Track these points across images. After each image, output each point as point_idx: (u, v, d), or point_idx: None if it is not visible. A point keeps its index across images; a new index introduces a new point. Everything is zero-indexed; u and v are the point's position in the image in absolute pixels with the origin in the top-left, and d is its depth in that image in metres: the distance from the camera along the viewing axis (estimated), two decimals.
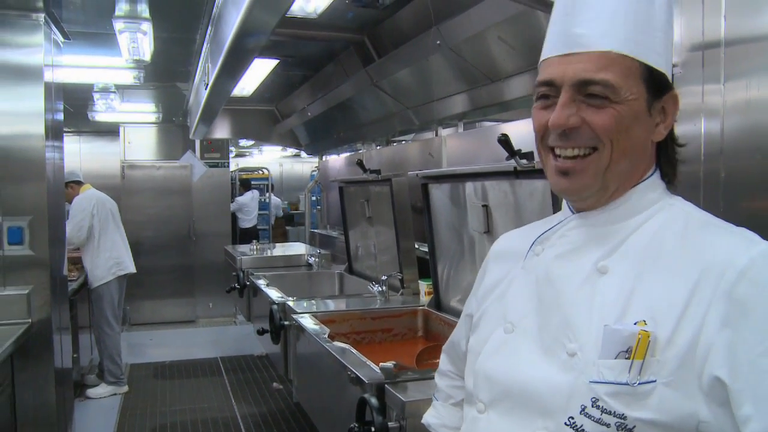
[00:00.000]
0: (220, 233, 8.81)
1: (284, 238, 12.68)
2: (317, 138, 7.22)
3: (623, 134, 1.06)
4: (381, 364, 2.14)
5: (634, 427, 0.98)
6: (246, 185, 11.72)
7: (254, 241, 6.82)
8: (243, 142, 11.86)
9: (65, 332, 4.19)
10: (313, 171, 12.31)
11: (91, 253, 5.90)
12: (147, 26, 3.89)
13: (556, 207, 2.33)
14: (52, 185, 3.82)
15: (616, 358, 1.00)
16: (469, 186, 2.97)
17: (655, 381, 0.97)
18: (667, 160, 1.16)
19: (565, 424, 1.02)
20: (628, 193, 1.12)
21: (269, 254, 6.24)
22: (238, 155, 14.60)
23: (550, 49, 1.12)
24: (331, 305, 3.71)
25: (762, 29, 1.74)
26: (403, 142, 5.83)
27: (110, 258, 5.95)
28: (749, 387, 0.92)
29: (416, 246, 3.97)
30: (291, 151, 14.75)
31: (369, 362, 2.37)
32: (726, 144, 1.83)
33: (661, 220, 1.11)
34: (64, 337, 4.12)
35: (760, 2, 1.75)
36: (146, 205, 8.52)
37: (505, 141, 2.35)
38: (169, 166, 8.73)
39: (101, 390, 5.90)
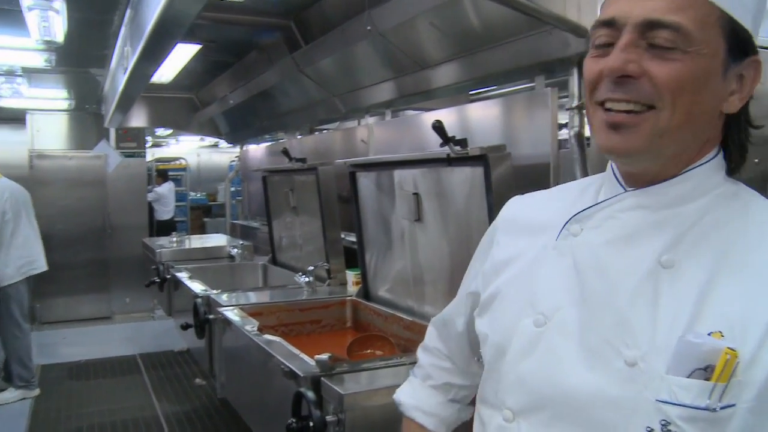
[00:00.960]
0: (137, 226, 8.52)
1: (202, 229, 12.44)
2: (238, 127, 7.07)
3: (689, 94, 0.91)
4: (316, 356, 2.08)
5: None
6: (163, 176, 11.42)
7: (173, 233, 6.60)
8: (160, 132, 11.54)
9: None
10: (232, 161, 12.12)
11: (2, 251, 5.46)
12: (60, 4, 3.67)
13: (491, 196, 2.33)
14: None
15: (690, 376, 0.84)
16: (399, 174, 2.94)
17: (734, 405, 0.83)
18: (736, 140, 1.00)
19: None
20: (690, 172, 0.97)
21: (189, 246, 6.06)
22: (155, 145, 14.19)
23: None
24: (257, 297, 3.61)
25: None
26: (326, 131, 5.75)
27: (22, 256, 5.56)
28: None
29: (342, 236, 3.92)
30: (209, 141, 14.46)
31: (302, 355, 2.30)
32: None
33: (729, 209, 0.96)
34: None
35: None
36: (57, 197, 8.14)
37: (439, 128, 2.32)
38: (81, 155, 8.37)
39: (8, 395, 5.52)
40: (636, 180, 0.99)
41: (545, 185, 2.37)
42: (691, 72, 0.90)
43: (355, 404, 1.93)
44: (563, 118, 2.44)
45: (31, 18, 3.82)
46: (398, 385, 1.66)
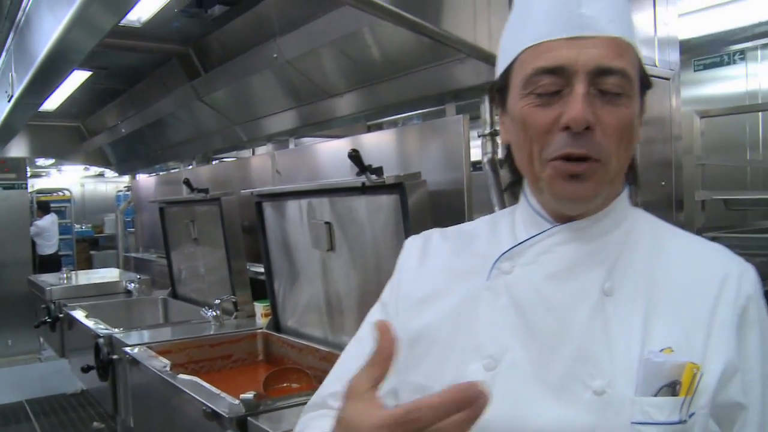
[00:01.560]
0: (19, 261, 8.05)
1: (89, 263, 11.92)
2: (129, 156, 6.83)
3: (629, 139, 0.95)
4: (241, 395, 2.01)
5: None
6: (44, 208, 10.88)
7: (64, 268, 6.27)
8: (41, 161, 11.01)
9: None
10: (119, 191, 11.69)
11: None
12: None
13: (408, 224, 2.33)
14: None
15: (657, 394, 0.89)
16: (310, 203, 2.90)
17: (695, 413, 0.90)
18: (635, 167, 1.06)
19: None
20: (612, 203, 1.02)
21: (81, 282, 5.78)
22: (34, 175, 13.50)
23: (548, 29, 0.93)
24: (164, 334, 3.47)
25: None
26: (224, 160, 5.63)
27: None
28: (753, 410, 0.94)
29: (248, 267, 3.83)
30: (94, 170, 13.93)
31: (223, 394, 2.21)
32: None
33: (642, 233, 1.04)
34: None
35: None
36: None
37: (355, 156, 2.32)
38: None
39: None
40: (565, 217, 1.01)
41: (460, 211, 2.41)
42: (631, 116, 0.95)
43: None
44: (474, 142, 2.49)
45: None
46: None
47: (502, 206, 2.22)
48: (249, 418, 1.97)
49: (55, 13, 2.44)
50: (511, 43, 1.00)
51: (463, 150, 2.45)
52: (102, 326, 3.68)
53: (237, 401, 2.03)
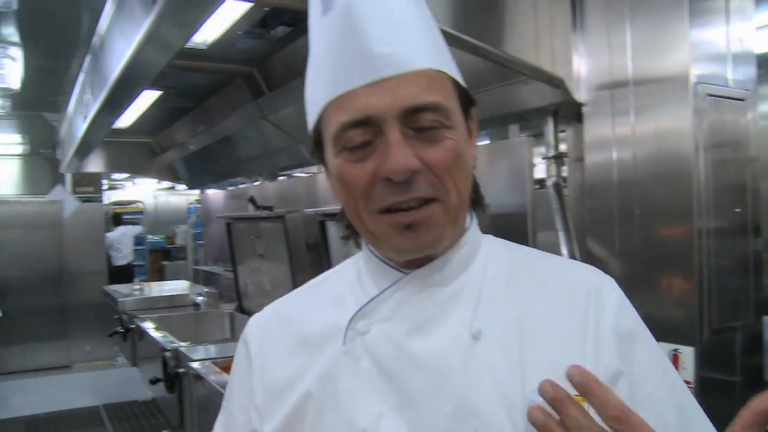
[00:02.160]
0: (95, 271, 8.34)
1: (161, 273, 12.22)
2: (198, 172, 6.98)
3: (462, 170, 0.88)
4: None
5: None
6: (117, 220, 11.20)
7: (136, 279, 6.45)
8: (116, 175, 11.37)
9: None
10: (191, 204, 11.96)
11: None
12: (17, 51, 3.61)
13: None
14: None
15: None
16: None
17: None
18: (478, 193, 1.00)
19: None
20: (463, 238, 0.95)
21: (152, 294, 5.93)
22: (111, 188, 13.98)
23: (346, 78, 0.85)
24: (229, 349, 3.52)
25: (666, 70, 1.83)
26: (289, 176, 5.70)
27: None
28: (662, 420, 0.87)
29: None
30: (166, 183, 14.31)
31: None
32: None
33: (498, 262, 0.97)
34: None
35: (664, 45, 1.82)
36: (12, 242, 7.93)
37: None
38: (37, 200, 8.19)
39: None
40: (414, 262, 0.92)
41: (523, 235, 2.38)
42: (457, 146, 0.87)
43: None
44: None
45: None
46: None
47: (567, 231, 2.19)
48: None
49: (126, 35, 2.53)
50: (314, 95, 0.92)
51: (527, 172, 2.42)
52: (169, 339, 3.76)
53: None
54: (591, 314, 0.91)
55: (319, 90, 0.90)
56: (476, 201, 1.00)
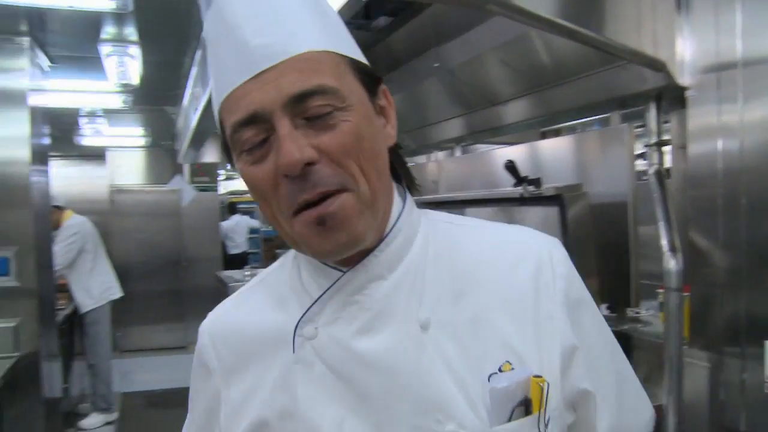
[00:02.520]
0: (211, 258, 8.70)
1: (275, 261, 12.54)
2: None
3: (368, 151, 0.83)
4: None
5: None
6: (232, 210, 11.57)
7: (247, 266, 6.68)
8: None
9: (54, 362, 4.07)
10: None
11: (84, 279, 5.88)
12: (135, 50, 3.81)
13: (567, 237, 2.26)
14: (38, 212, 3.72)
15: (511, 417, 0.82)
16: (471, 212, 2.89)
17: (549, 418, 0.85)
18: (404, 169, 0.97)
19: None
20: (397, 224, 0.90)
21: None
22: (227, 178, 14.49)
23: (234, 75, 0.82)
24: None
25: None
26: None
27: (103, 282, 6.00)
28: (602, 387, 0.90)
29: None
30: None
31: None
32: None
33: (439, 241, 0.93)
34: (54, 368, 4.01)
35: None
36: (135, 229, 8.40)
37: (511, 167, 2.27)
38: (158, 190, 8.62)
39: (93, 420, 5.81)
40: (350, 258, 0.87)
41: (623, 225, 2.30)
42: (356, 128, 0.82)
43: None
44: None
45: (109, 64, 3.97)
46: None
47: (667, 222, 2.09)
48: None
49: None
50: (214, 97, 0.88)
51: (628, 160, 2.34)
52: None
53: None
54: (542, 287, 0.89)
55: (215, 90, 0.87)
56: (406, 179, 0.97)
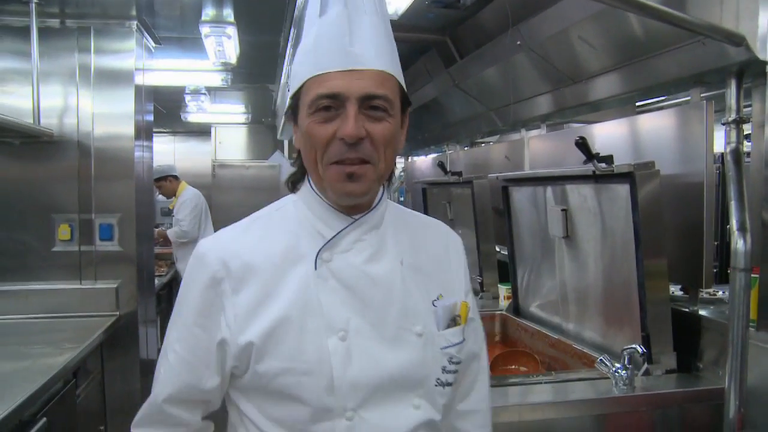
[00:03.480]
0: None
1: None
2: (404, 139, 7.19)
3: (391, 147, 1.23)
4: None
5: (460, 362, 1.34)
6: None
7: None
8: None
9: (151, 325, 4.33)
10: (399, 172, 12.30)
11: (190, 249, 6.06)
12: (232, 30, 3.97)
13: (637, 215, 2.25)
14: (141, 184, 3.95)
15: (448, 327, 1.32)
16: (549, 189, 2.90)
17: (465, 329, 1.35)
18: (392, 167, 1.33)
19: (435, 385, 1.29)
20: (382, 196, 1.33)
21: None
22: None
23: (327, 63, 1.19)
24: None
25: None
26: (484, 144, 5.74)
27: None
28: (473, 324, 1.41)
29: (497, 249, 3.91)
30: None
31: None
32: None
33: (395, 214, 1.38)
34: (150, 330, 4.27)
35: None
36: (235, 203, 8.69)
37: (582, 144, 2.27)
38: (258, 165, 8.91)
39: None
40: (355, 210, 1.29)
41: (699, 204, 2.27)
42: (393, 129, 1.21)
43: (495, 419, 1.93)
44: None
45: (209, 43, 4.16)
46: (540, 403, 1.68)
47: (740, 201, 2.06)
48: None
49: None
50: (299, 72, 1.24)
51: (706, 139, 2.31)
52: None
53: None
54: (452, 251, 1.44)
55: (303, 69, 1.23)
56: (389, 178, 1.33)
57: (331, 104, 1.17)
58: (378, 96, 1.18)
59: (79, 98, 3.75)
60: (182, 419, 1.32)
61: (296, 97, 1.25)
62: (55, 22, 3.75)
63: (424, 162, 6.85)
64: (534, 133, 4.26)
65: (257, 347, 1.22)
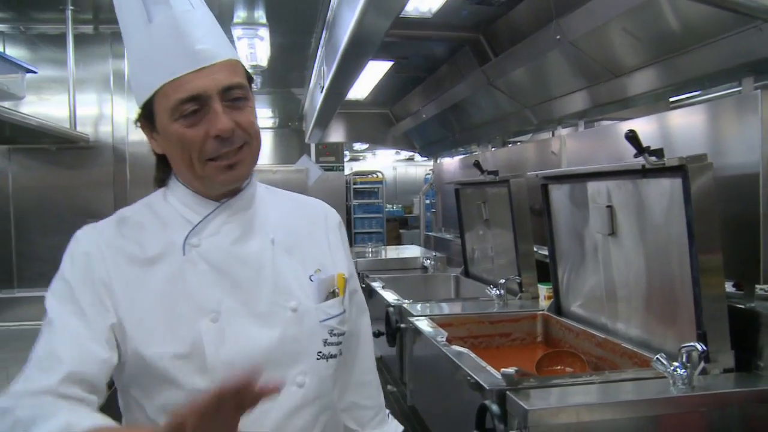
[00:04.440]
0: None
1: (398, 241, 12.73)
2: (432, 140, 7.17)
3: (256, 123, 1.30)
4: (502, 369, 2.06)
5: (343, 334, 1.42)
6: None
7: (369, 243, 6.82)
8: (357, 146, 12.00)
9: None
10: (427, 174, 12.31)
11: None
12: (264, 32, 3.95)
13: (690, 210, 2.19)
14: None
15: (326, 299, 1.39)
16: (592, 186, 2.84)
17: (344, 300, 1.44)
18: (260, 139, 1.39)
19: (317, 358, 1.35)
20: (251, 178, 1.40)
21: (385, 257, 6.24)
22: (353, 159, 14.80)
23: (178, 67, 1.21)
24: (448, 308, 3.64)
25: None
26: (519, 143, 5.68)
27: None
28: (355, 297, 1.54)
29: (535, 249, 3.85)
30: (404, 154, 14.85)
31: (489, 367, 2.29)
32: None
33: (264, 194, 1.45)
34: None
35: None
36: None
37: (633, 137, 2.22)
38: (285, 170, 8.89)
39: None
40: (223, 195, 1.35)
41: (754, 198, 2.21)
42: (254, 113, 1.31)
43: (540, 421, 1.88)
44: None
45: (241, 46, 4.15)
46: (587, 404, 1.61)
47: None
48: (508, 392, 2.01)
49: (350, 5, 2.68)
50: (147, 80, 1.25)
51: (761, 129, 2.24)
52: (394, 297, 3.96)
53: (499, 375, 2.09)
54: (330, 228, 1.51)
55: (151, 76, 1.24)
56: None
57: (194, 107, 1.22)
58: (235, 86, 1.25)
59: (113, 104, 3.75)
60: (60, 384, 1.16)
61: (150, 104, 1.27)
62: (88, 29, 3.77)
63: (451, 163, 6.80)
64: (566, 131, 4.20)
65: (133, 332, 1.24)
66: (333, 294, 1.39)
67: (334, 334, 1.38)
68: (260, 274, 1.32)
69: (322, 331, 1.36)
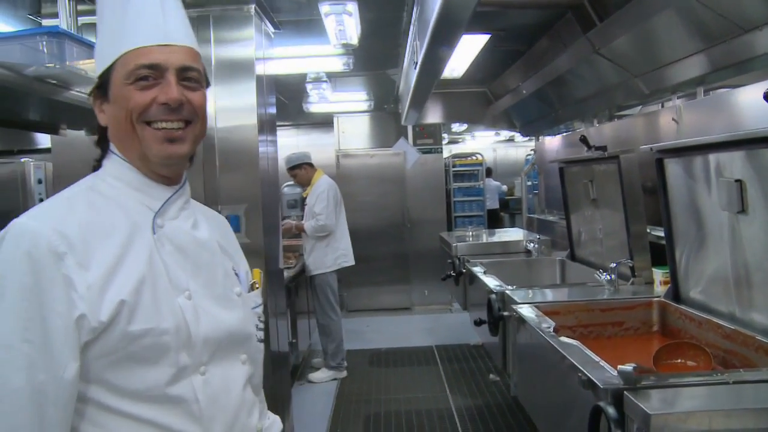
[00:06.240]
0: (435, 220, 8.69)
1: (500, 224, 12.47)
2: (533, 118, 6.87)
3: (205, 111, 1.35)
4: (619, 367, 1.82)
5: (265, 322, 1.65)
6: (488, 173, 11.96)
7: (470, 227, 6.61)
8: (455, 128, 11.74)
9: (281, 318, 4.23)
10: (527, 155, 11.98)
11: (322, 242, 6.02)
12: (352, 6, 3.79)
13: None
14: (267, 176, 3.84)
15: (250, 291, 1.49)
16: (718, 158, 2.53)
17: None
18: (204, 129, 1.42)
19: (257, 341, 1.47)
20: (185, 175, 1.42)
21: (486, 241, 6.01)
22: (451, 142, 14.53)
23: (146, 38, 1.27)
24: (554, 295, 3.39)
25: None
26: (627, 116, 5.31)
27: (339, 248, 6.10)
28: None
29: (648, 230, 3.55)
30: (504, 135, 14.48)
31: (603, 363, 2.05)
32: None
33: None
34: (280, 323, 4.17)
35: None
36: (361, 193, 8.63)
37: None
38: (382, 153, 8.79)
39: (322, 375, 6.05)
40: (171, 182, 1.37)
41: None
42: (204, 98, 1.35)
43: (664, 427, 1.64)
44: None
45: (329, 23, 4.00)
46: (723, 410, 1.37)
47: None
48: (626, 392, 1.77)
49: None
50: (111, 47, 1.29)
51: None
52: (496, 283, 3.73)
53: (615, 372, 1.85)
54: (231, 234, 1.56)
55: (116, 43, 1.29)
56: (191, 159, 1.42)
57: (150, 74, 1.26)
58: (193, 68, 1.31)
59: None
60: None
61: (108, 72, 1.30)
62: None
63: (554, 142, 6.50)
64: (679, 101, 3.86)
65: (127, 313, 1.19)
66: (253, 287, 1.51)
67: (261, 321, 1.51)
68: (214, 259, 1.39)
69: (254, 317, 1.48)
